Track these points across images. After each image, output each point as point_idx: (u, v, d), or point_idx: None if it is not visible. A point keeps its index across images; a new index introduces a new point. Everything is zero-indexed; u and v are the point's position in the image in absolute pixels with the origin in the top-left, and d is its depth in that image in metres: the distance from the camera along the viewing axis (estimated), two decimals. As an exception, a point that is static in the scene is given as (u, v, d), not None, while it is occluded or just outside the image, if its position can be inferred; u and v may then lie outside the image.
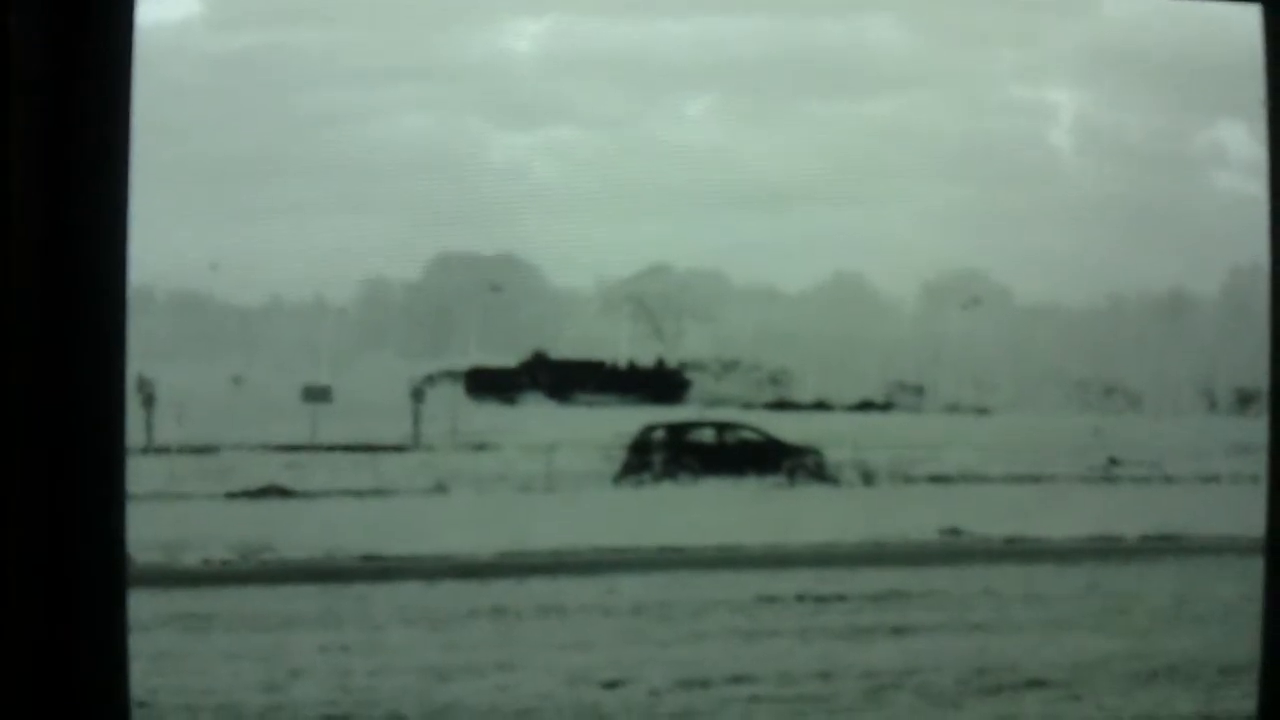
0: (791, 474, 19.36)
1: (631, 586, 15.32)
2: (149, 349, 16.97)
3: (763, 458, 19.29)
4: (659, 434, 19.54)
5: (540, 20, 14.95)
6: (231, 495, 18.45)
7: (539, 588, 15.23)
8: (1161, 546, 17.10)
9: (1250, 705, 4.19)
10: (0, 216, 2.74)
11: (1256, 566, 4.03)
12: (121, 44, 3.04)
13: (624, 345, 19.63)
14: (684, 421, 19.61)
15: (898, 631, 13.94)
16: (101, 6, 3.01)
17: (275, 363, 18.69)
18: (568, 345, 19.70)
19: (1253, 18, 4.90)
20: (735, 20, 13.57)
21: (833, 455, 19.31)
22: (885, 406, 19.82)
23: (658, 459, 19.27)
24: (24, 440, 2.83)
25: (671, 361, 19.77)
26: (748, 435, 19.60)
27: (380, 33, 13.96)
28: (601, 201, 15.19)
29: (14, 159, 2.78)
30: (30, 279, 2.88)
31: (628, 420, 19.25)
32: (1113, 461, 19.98)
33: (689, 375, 19.83)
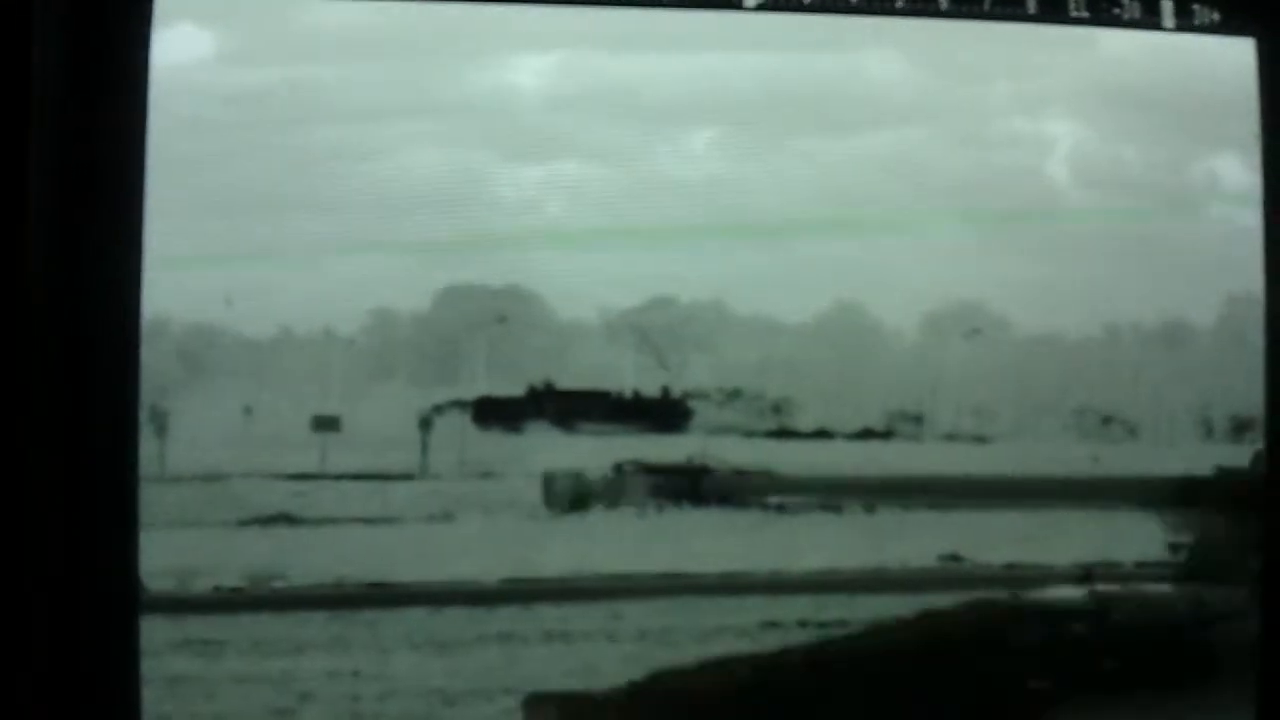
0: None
1: (636, 612, 15.47)
2: (162, 380, 17.18)
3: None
4: (661, 462, 19.66)
5: (546, 56, 15.20)
6: (242, 523, 18.60)
7: (544, 613, 15.39)
8: (1158, 573, 17.22)
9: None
10: (17, 248, 2.84)
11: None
12: (137, 78, 3.14)
13: (628, 375, 19.80)
14: (686, 452, 19.73)
15: (898, 656, 14.07)
16: (118, 41, 3.11)
17: (285, 393, 18.86)
18: (573, 376, 19.81)
19: (1247, 51, 5.11)
20: (736, 56, 13.83)
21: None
22: (886, 435, 19.93)
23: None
24: (40, 469, 2.93)
25: (675, 391, 19.89)
26: (749, 465, 19.72)
27: (389, 70, 14.26)
28: (605, 235, 15.43)
29: (29, 192, 2.88)
30: (46, 310, 2.98)
31: (632, 449, 19.37)
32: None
33: (692, 405, 19.95)
